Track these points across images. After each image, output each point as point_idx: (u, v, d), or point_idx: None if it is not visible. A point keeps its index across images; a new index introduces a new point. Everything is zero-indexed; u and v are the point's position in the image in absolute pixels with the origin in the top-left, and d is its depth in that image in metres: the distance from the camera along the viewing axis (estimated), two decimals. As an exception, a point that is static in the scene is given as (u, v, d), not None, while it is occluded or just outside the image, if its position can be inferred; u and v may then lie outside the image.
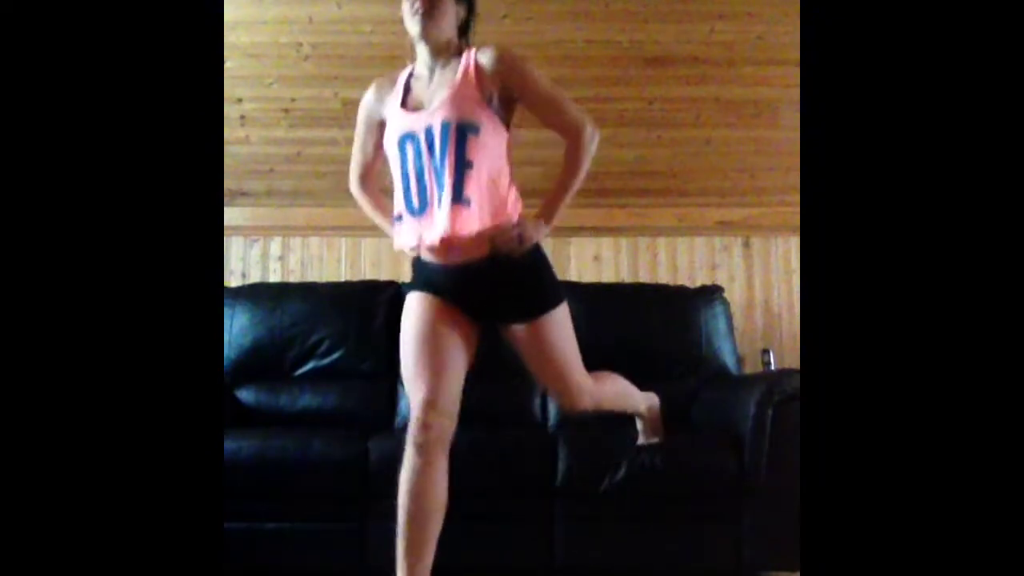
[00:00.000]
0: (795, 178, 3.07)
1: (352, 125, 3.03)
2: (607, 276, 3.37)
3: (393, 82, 1.76)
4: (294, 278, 3.32)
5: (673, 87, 3.16)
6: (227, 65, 3.03)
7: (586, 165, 1.71)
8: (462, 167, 1.58)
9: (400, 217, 1.68)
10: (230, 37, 3.00)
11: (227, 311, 2.77)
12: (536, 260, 1.69)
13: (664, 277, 3.37)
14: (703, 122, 3.24)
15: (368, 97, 1.80)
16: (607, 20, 3.02)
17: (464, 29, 1.74)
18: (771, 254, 3.43)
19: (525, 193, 1.73)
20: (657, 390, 2.17)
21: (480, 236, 1.61)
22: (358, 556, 2.13)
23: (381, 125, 1.75)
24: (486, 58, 1.64)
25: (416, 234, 1.64)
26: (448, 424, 1.59)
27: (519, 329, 1.68)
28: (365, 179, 1.88)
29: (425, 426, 1.56)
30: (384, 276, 3.25)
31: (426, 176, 1.62)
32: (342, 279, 3.29)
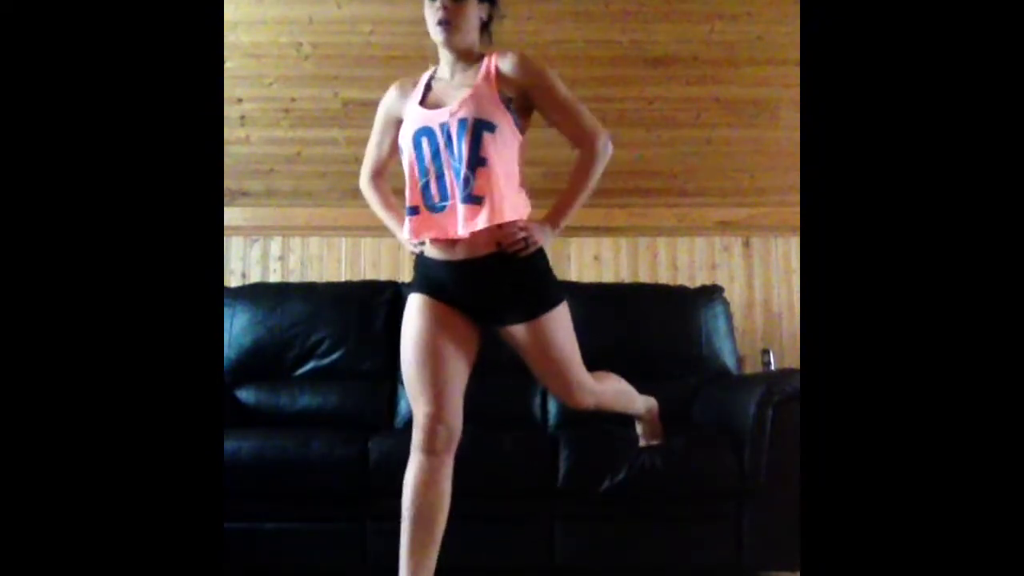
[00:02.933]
0: (795, 178, 3.08)
1: (352, 125, 3.05)
2: (607, 276, 3.37)
3: (415, 83, 1.78)
4: (294, 278, 3.32)
5: (673, 87, 3.16)
6: (227, 65, 3.03)
7: (598, 174, 1.73)
8: (475, 164, 1.60)
9: (415, 210, 1.68)
10: (230, 37, 3.00)
11: (227, 311, 2.77)
12: (538, 261, 1.70)
13: (664, 277, 3.37)
14: (703, 122, 3.24)
15: (390, 95, 1.82)
16: (607, 20, 3.02)
17: (485, 27, 1.76)
18: (771, 254, 3.43)
19: (527, 194, 1.73)
20: (657, 390, 2.17)
21: (488, 234, 1.62)
22: (358, 556, 2.13)
23: (399, 124, 1.76)
24: (507, 63, 1.67)
25: (433, 228, 1.66)
26: (455, 431, 1.62)
27: (520, 329, 1.68)
28: (377, 176, 1.89)
29: (432, 436, 1.59)
30: (384, 276, 3.25)
31: (445, 171, 1.64)
32: (342, 279, 3.29)
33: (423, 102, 1.71)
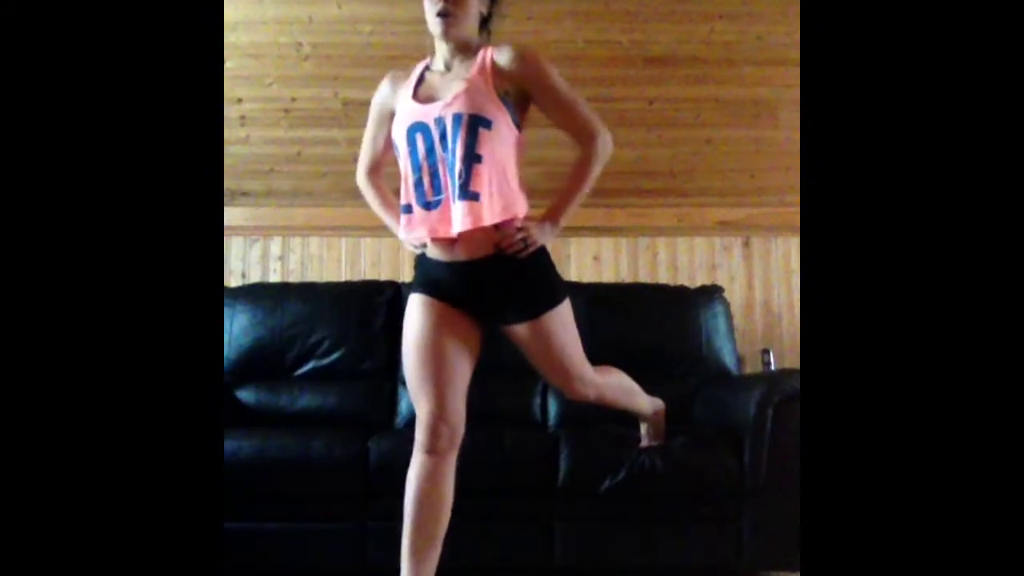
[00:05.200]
0: (795, 178, 3.07)
1: (352, 125, 3.05)
2: (607, 276, 3.37)
3: (408, 74, 1.75)
4: (294, 278, 3.32)
5: (673, 87, 3.16)
6: (227, 65, 3.03)
7: (597, 171, 1.70)
8: (471, 160, 1.57)
9: (409, 208, 1.66)
10: (230, 37, 3.00)
11: (227, 311, 2.77)
12: (539, 260, 1.68)
13: (664, 277, 3.37)
14: (703, 122, 3.24)
15: (382, 89, 1.80)
16: (607, 20, 3.02)
17: (484, 23, 1.73)
18: (771, 254, 3.43)
19: (525, 193, 1.72)
20: (657, 390, 2.17)
21: (487, 233, 1.60)
22: (358, 556, 2.13)
23: (392, 117, 1.73)
24: (504, 56, 1.63)
25: (426, 226, 1.64)
26: (457, 430, 1.61)
27: (522, 327, 1.68)
28: (373, 172, 1.87)
29: (435, 436, 1.59)
30: (384, 276, 3.25)
31: (439, 168, 1.62)
32: (342, 279, 3.29)
33: (416, 95, 1.68)
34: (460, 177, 1.57)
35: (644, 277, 3.37)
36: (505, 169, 1.62)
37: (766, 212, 3.40)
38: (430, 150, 1.62)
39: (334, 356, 2.75)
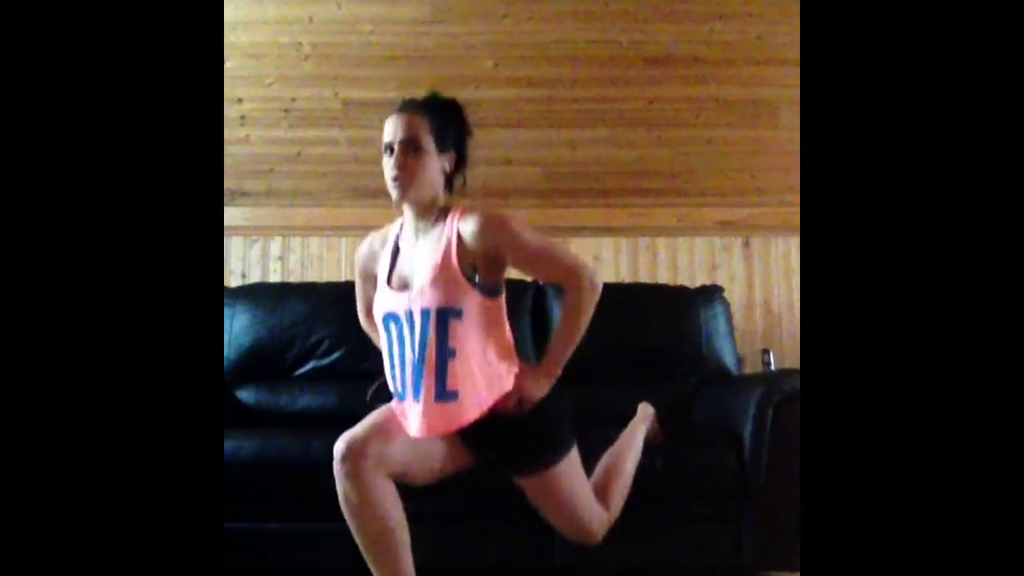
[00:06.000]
0: (795, 178, 3.07)
1: (352, 125, 3.05)
2: (607, 276, 3.36)
3: (384, 239, 1.70)
4: (294, 278, 3.32)
5: (673, 87, 3.16)
6: (227, 65, 3.03)
7: (589, 312, 1.61)
8: (444, 356, 1.52)
9: (396, 395, 1.64)
10: (230, 37, 3.01)
11: (227, 311, 2.76)
12: (539, 413, 1.61)
13: (664, 277, 3.37)
14: (703, 122, 3.24)
15: (362, 252, 1.75)
16: (607, 20, 3.03)
17: (450, 182, 1.65)
18: (771, 254, 3.43)
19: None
20: (657, 390, 2.18)
21: (475, 417, 1.56)
22: (358, 556, 2.13)
23: (375, 279, 1.69)
24: (468, 229, 1.54)
25: (406, 422, 1.60)
26: (373, 463, 1.51)
27: (523, 480, 1.65)
28: (370, 316, 1.79)
29: (344, 458, 1.51)
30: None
31: (406, 366, 1.57)
32: (342, 279, 3.28)
33: (390, 281, 1.63)
34: (435, 378, 1.52)
35: (644, 277, 3.37)
36: (484, 350, 1.56)
37: (766, 212, 3.40)
38: (400, 342, 1.57)
39: (334, 356, 2.75)
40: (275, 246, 3.38)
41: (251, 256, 3.37)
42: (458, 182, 1.66)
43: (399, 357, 1.58)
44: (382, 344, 1.64)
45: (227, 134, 3.17)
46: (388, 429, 1.56)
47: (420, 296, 1.53)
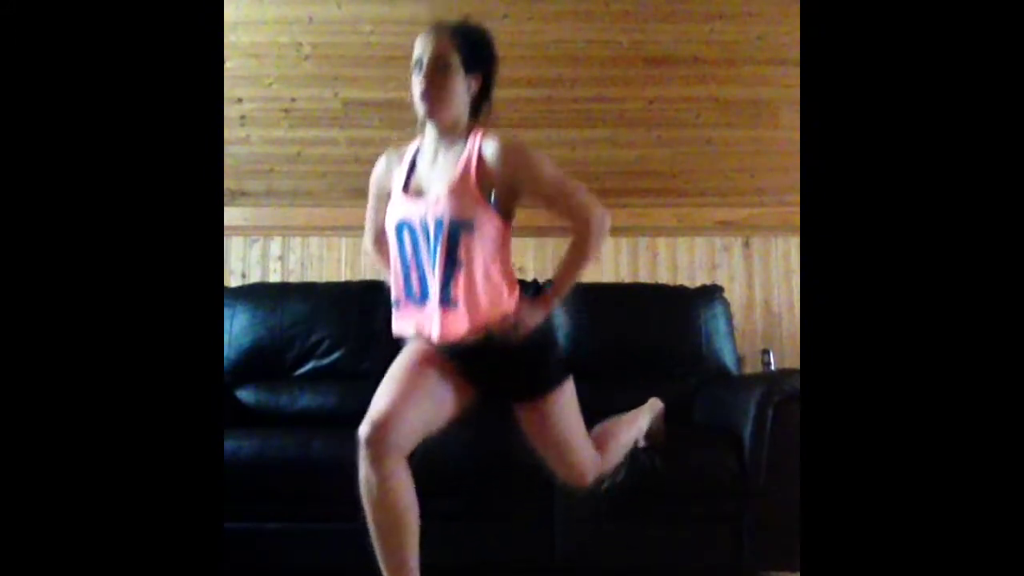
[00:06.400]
0: (795, 178, 3.06)
1: (352, 125, 3.05)
2: (607, 276, 3.37)
3: (401, 156, 1.71)
4: (294, 278, 3.32)
5: (673, 87, 3.16)
6: (227, 65, 3.03)
7: (595, 252, 1.64)
8: (451, 267, 1.55)
9: (398, 303, 1.65)
10: (230, 37, 3.01)
11: (227, 311, 2.77)
12: (537, 341, 1.64)
13: (664, 277, 3.37)
14: (703, 122, 3.24)
15: (379, 167, 1.77)
16: (607, 20, 3.02)
17: (476, 107, 1.66)
18: (771, 254, 3.43)
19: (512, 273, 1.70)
20: (657, 390, 2.18)
21: (471, 331, 1.57)
22: (358, 556, 2.13)
23: (389, 196, 1.71)
24: (490, 150, 1.57)
25: (414, 322, 1.62)
26: (395, 449, 1.51)
27: (518, 407, 1.66)
28: (379, 241, 1.82)
29: (370, 443, 1.50)
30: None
31: (425, 268, 1.59)
32: (342, 279, 3.29)
33: (406, 188, 1.65)
34: (442, 282, 1.55)
35: (644, 277, 3.37)
36: (489, 267, 1.58)
37: (766, 212, 3.41)
38: (416, 249, 1.60)
39: (334, 356, 2.75)
40: (275, 246, 3.38)
41: (251, 256, 3.37)
42: (484, 110, 1.68)
43: (414, 263, 1.61)
44: (392, 254, 1.66)
45: (227, 134, 3.17)
46: (408, 392, 1.58)
47: (436, 204, 1.56)
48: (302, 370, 2.76)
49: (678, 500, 2.13)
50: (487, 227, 1.57)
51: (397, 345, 1.73)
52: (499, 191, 1.59)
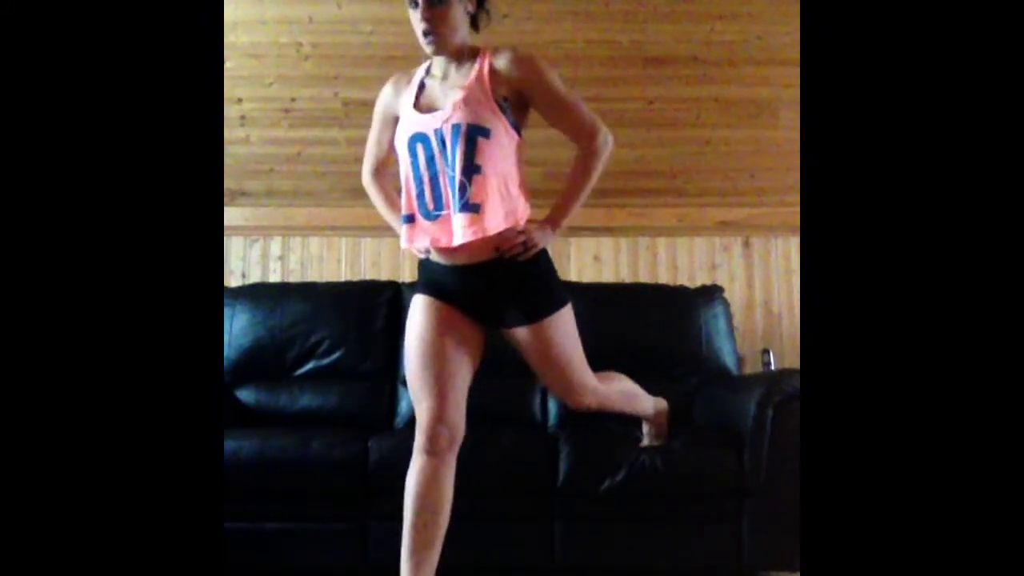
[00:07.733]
0: (795, 178, 3.08)
1: (352, 125, 3.05)
2: (607, 276, 3.37)
3: (410, 80, 1.75)
4: (294, 278, 3.32)
5: (673, 87, 3.16)
6: (227, 65, 3.03)
7: (598, 171, 1.70)
8: (471, 172, 1.58)
9: (411, 218, 1.67)
10: (230, 37, 3.01)
11: (227, 311, 2.77)
12: (540, 263, 1.69)
13: (664, 277, 3.37)
14: (703, 122, 3.24)
15: (386, 91, 1.80)
16: (607, 20, 3.02)
17: (475, 21, 1.71)
18: (771, 254, 3.43)
19: (528, 194, 1.72)
20: (657, 390, 2.17)
21: (486, 240, 1.60)
22: (358, 556, 2.13)
23: (395, 121, 1.74)
24: (502, 61, 1.63)
25: (428, 235, 1.64)
26: (456, 431, 1.61)
27: (523, 331, 1.68)
28: (378, 173, 1.87)
29: (434, 437, 1.58)
30: (384, 276, 3.25)
31: (440, 179, 1.62)
32: (342, 279, 3.29)
33: (417, 104, 1.68)
34: (460, 189, 1.58)
35: (644, 277, 3.37)
36: (506, 176, 1.62)
37: (766, 212, 3.40)
38: (430, 161, 1.63)
39: (334, 356, 2.75)
40: (275, 246, 3.38)
41: (251, 256, 3.37)
42: (482, 19, 1.72)
43: (427, 175, 1.63)
44: (404, 171, 1.68)
45: (227, 134, 3.16)
46: (442, 375, 1.61)
47: (452, 112, 1.60)
48: (302, 370, 2.76)
49: (678, 500, 2.13)
50: (503, 137, 1.61)
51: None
52: (511, 99, 1.63)
